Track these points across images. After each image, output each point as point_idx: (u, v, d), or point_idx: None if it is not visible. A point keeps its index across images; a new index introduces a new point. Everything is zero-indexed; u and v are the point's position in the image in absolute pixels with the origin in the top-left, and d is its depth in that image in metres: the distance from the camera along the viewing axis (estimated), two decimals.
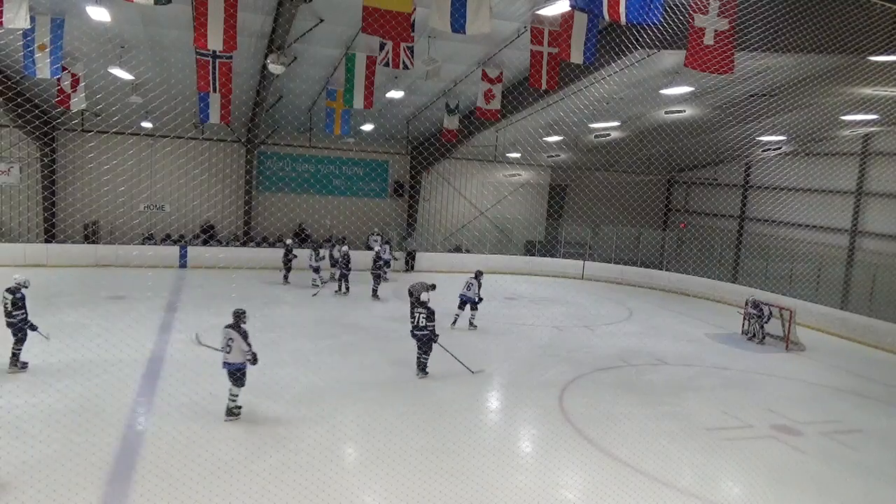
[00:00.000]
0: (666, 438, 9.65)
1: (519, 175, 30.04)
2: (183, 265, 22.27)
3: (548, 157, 29.29)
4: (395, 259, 19.73)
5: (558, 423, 10.01)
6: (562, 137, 24.78)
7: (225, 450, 8.10)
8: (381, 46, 13.72)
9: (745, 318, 16.97)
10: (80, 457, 7.61)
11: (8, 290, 10.68)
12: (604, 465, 8.59)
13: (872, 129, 20.98)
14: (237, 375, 9.11)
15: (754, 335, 16.56)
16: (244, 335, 9.00)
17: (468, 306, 15.71)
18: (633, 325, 17.77)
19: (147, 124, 22.39)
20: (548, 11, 12.22)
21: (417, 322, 11.63)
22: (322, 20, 14.46)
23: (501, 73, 16.57)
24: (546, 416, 10.29)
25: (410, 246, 25.86)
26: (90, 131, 22.54)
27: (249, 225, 25.51)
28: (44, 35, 13.21)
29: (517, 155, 28.35)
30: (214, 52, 13.46)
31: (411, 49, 13.68)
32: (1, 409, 8.71)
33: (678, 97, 18.51)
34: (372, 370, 12.00)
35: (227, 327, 9.06)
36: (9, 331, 10.55)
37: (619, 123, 22.63)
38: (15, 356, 10.58)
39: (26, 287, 10.92)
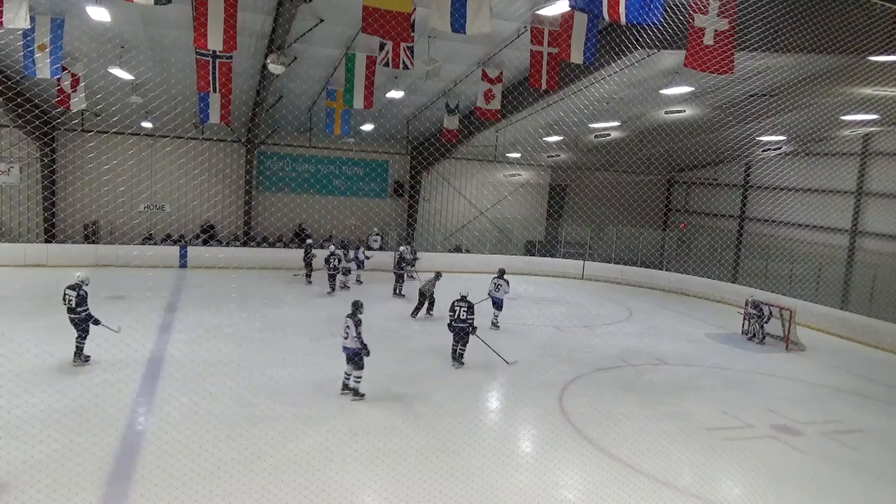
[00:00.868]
0: (666, 438, 9.65)
1: (519, 175, 30.04)
2: (183, 265, 22.27)
3: (548, 157, 29.30)
4: (418, 259, 20.01)
5: (558, 423, 10.01)
6: (562, 137, 24.79)
7: (225, 450, 8.10)
8: (381, 46, 13.72)
9: (745, 318, 16.97)
10: (80, 457, 7.61)
11: (71, 287, 11.11)
12: (604, 465, 8.59)
13: (872, 129, 20.98)
14: (355, 359, 10.19)
15: (754, 335, 16.56)
16: (357, 324, 10.12)
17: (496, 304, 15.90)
18: (633, 325, 17.77)
19: (147, 124, 22.39)
20: (548, 11, 12.22)
21: (458, 315, 12.30)
22: (322, 20, 14.47)
23: (501, 73, 16.57)
24: (546, 416, 10.29)
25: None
26: (90, 131, 22.54)
27: (249, 225, 25.51)
28: (44, 35, 13.21)
29: (517, 155, 28.36)
30: (214, 52, 13.46)
31: (411, 49, 13.69)
32: (1, 409, 8.71)
33: (678, 97, 18.51)
34: (372, 370, 11.97)
35: (347, 316, 10.23)
36: (71, 326, 11.08)
37: (619, 123, 22.63)
38: (79, 350, 11.11)
39: (87, 284, 11.31)
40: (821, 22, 11.03)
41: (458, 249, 28.22)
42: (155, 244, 23.63)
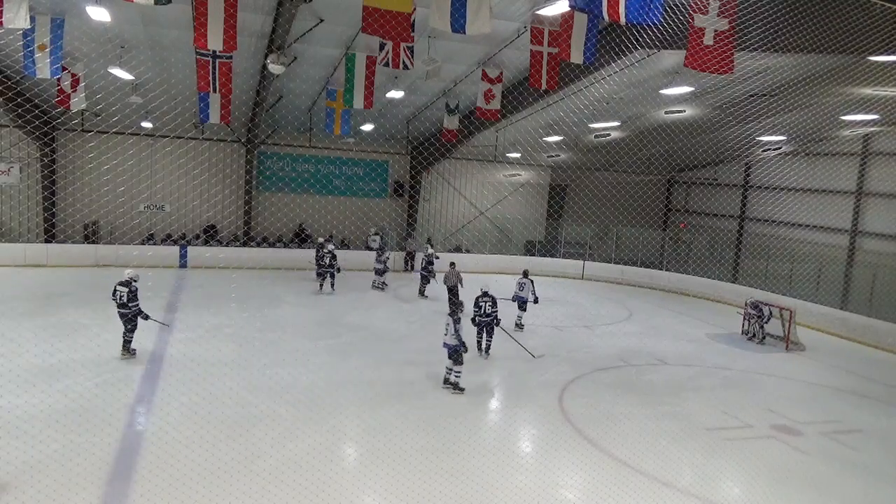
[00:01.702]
0: (666, 438, 9.65)
1: (519, 175, 30.03)
2: (183, 265, 22.28)
3: (548, 157, 29.30)
4: (438, 258, 20.31)
5: (558, 423, 10.01)
6: (562, 137, 24.78)
7: (225, 450, 8.10)
8: (381, 46, 13.72)
9: (745, 319, 16.97)
10: (80, 457, 7.61)
11: (122, 283, 11.63)
12: (604, 465, 8.59)
13: (872, 129, 20.98)
14: (454, 356, 10.84)
15: (754, 335, 16.56)
16: (457, 322, 10.77)
17: (519, 305, 16.00)
18: (633, 325, 17.77)
19: (147, 124, 22.39)
20: (548, 11, 12.22)
21: (484, 310, 12.80)
22: (322, 20, 14.47)
23: (501, 73, 16.57)
24: (546, 416, 10.29)
25: (410, 246, 25.86)
26: (90, 131, 22.54)
27: (249, 225, 25.51)
28: (44, 35, 13.21)
29: (517, 155, 28.36)
30: (214, 52, 13.46)
31: (411, 49, 13.69)
32: (1, 409, 8.72)
33: (678, 97, 18.51)
34: (372, 370, 12.00)
35: (448, 314, 10.97)
36: (121, 320, 11.65)
37: (619, 123, 22.63)
38: (128, 343, 11.63)
39: (136, 281, 11.84)
40: (821, 22, 11.03)
41: (458, 249, 28.21)
42: (155, 244, 23.63)
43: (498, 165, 29.21)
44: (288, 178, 26.89)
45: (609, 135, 24.56)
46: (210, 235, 24.98)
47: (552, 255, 27.83)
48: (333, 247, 19.99)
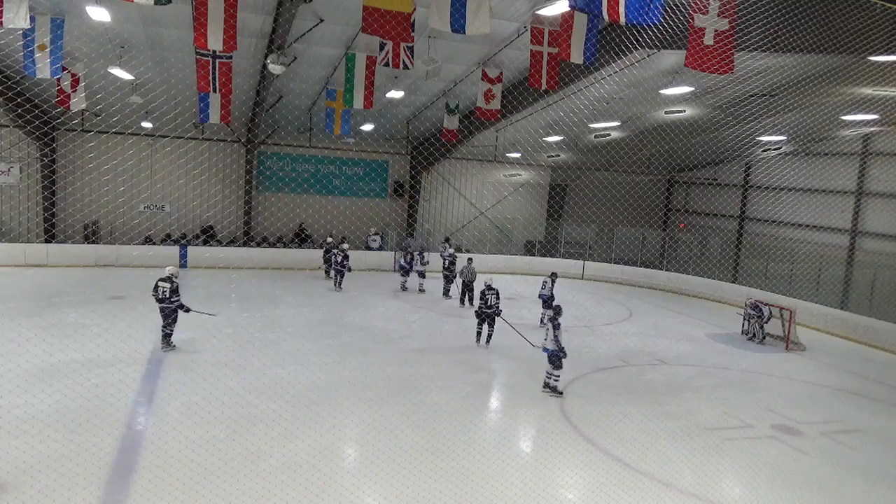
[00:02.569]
0: (666, 438, 9.65)
1: (519, 175, 30.03)
2: (183, 265, 22.28)
3: (548, 156, 29.30)
4: (457, 257, 20.62)
5: (558, 423, 10.01)
6: (562, 137, 24.79)
7: (225, 450, 8.10)
8: (381, 46, 13.72)
9: (745, 319, 16.97)
10: (79, 457, 7.61)
11: (163, 279, 12.21)
12: (604, 466, 8.59)
13: (872, 129, 20.98)
14: (554, 360, 11.02)
15: (754, 335, 16.56)
16: (556, 327, 10.93)
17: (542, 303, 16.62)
18: (634, 325, 17.77)
19: (147, 124, 22.40)
20: (547, 11, 12.23)
21: (488, 302, 13.77)
22: (322, 20, 14.47)
23: (501, 73, 16.57)
24: (546, 416, 10.29)
25: (410, 246, 25.86)
26: (90, 131, 22.54)
27: (249, 225, 25.51)
28: (44, 35, 13.21)
29: (517, 155, 28.36)
30: (214, 52, 13.47)
31: (411, 49, 13.69)
32: (1, 409, 8.72)
33: (678, 97, 18.51)
34: (372, 370, 12.00)
35: (547, 319, 11.20)
36: (161, 315, 12.24)
37: (619, 123, 22.64)
38: (168, 336, 12.28)
39: (177, 277, 12.45)
40: (821, 22, 11.04)
41: (458, 249, 28.17)
42: (155, 244, 23.63)
43: (498, 165, 29.21)
44: (288, 178, 26.89)
45: (609, 135, 24.56)
46: (210, 236, 24.98)
47: (552, 255, 27.83)
48: (348, 246, 20.63)
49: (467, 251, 27.76)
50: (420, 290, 20.52)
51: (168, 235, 24.53)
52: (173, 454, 7.84)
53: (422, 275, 20.70)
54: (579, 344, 15.15)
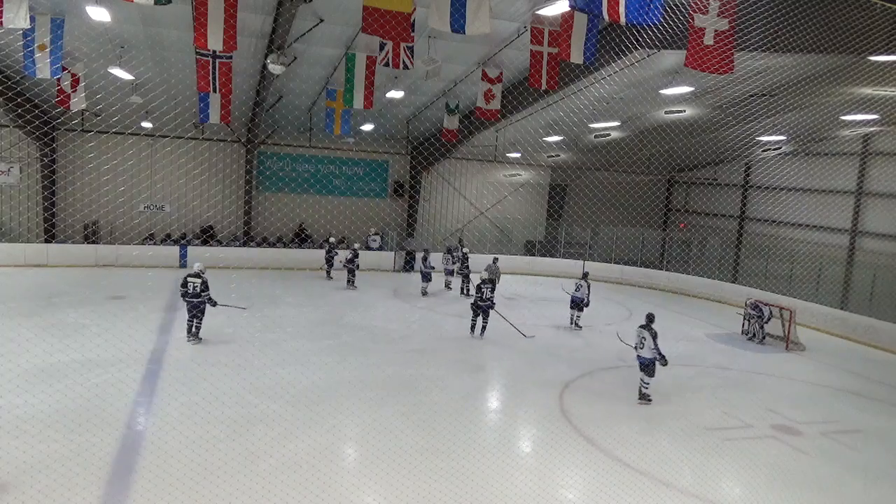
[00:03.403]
0: (666, 438, 9.66)
1: (519, 175, 30.03)
2: (183, 265, 22.28)
3: (548, 156, 29.30)
4: (471, 253, 21.50)
5: (558, 422, 10.01)
6: (562, 137, 24.78)
7: (225, 450, 8.10)
8: (381, 46, 13.72)
9: (745, 319, 16.97)
10: (80, 457, 7.61)
11: (193, 275, 12.83)
12: (604, 466, 8.59)
13: (872, 129, 20.99)
14: (648, 368, 10.88)
15: (754, 335, 16.56)
16: (654, 336, 10.76)
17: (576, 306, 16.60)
18: (634, 325, 17.72)
19: (147, 124, 22.40)
20: (547, 11, 12.22)
21: (484, 295, 14.54)
22: (322, 20, 14.47)
23: (501, 73, 16.57)
24: (546, 416, 10.29)
25: (410, 246, 25.87)
26: (90, 131, 22.54)
27: (249, 225, 25.51)
28: (44, 35, 13.21)
29: (517, 155, 28.35)
30: (214, 52, 13.47)
31: (411, 49, 13.68)
32: (1, 409, 8.72)
33: (678, 97, 18.51)
34: (372, 370, 12.00)
35: (640, 327, 10.95)
36: (189, 309, 12.80)
37: (619, 123, 22.63)
38: (197, 330, 12.86)
39: (205, 273, 13.01)
40: (821, 22, 11.05)
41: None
42: (155, 244, 23.63)
43: (498, 165, 29.21)
44: (288, 178, 26.88)
45: (609, 135, 24.56)
46: (210, 236, 24.97)
47: (552, 255, 27.83)
48: (359, 245, 21.18)
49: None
50: (447, 286, 21.03)
51: (168, 235, 24.53)
52: (173, 454, 7.85)
53: (450, 272, 21.06)
54: (579, 343, 15.16)
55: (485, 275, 17.28)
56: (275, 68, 14.50)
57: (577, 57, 11.96)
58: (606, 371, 13.04)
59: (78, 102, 16.25)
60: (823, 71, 14.88)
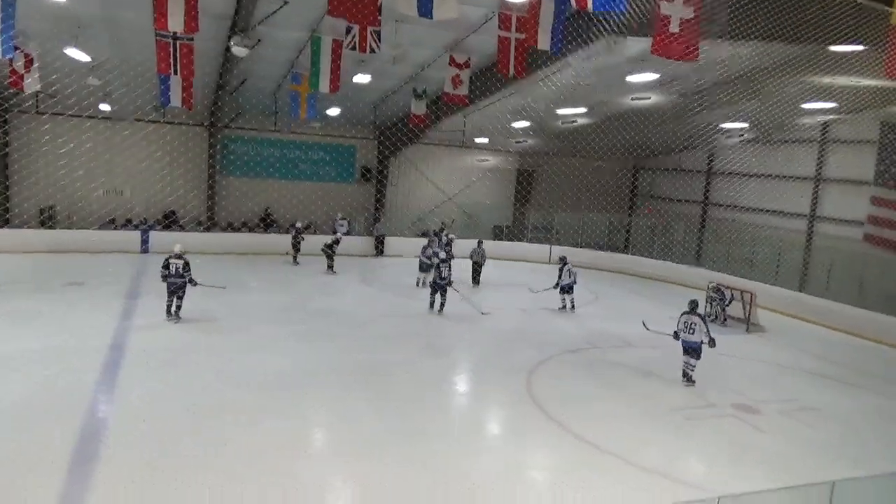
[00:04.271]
0: (631, 419, 9.84)
1: (487, 160, 30.05)
2: (145, 250, 21.80)
3: (515, 142, 29.34)
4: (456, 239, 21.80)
5: (526, 405, 10.12)
6: (529, 123, 24.83)
7: (190, 437, 8.01)
8: (348, 30, 13.50)
9: (707, 301, 17.33)
10: (40, 444, 7.44)
11: (175, 256, 13.16)
12: (571, 446, 8.73)
13: (831, 117, 21.50)
14: (696, 351, 11.39)
15: (716, 317, 16.94)
16: (704, 320, 11.34)
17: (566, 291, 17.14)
18: (600, 309, 18.02)
19: (105, 107, 21.75)
20: None
21: (442, 274, 15.47)
22: (287, 2, 14.17)
23: (469, 59, 16.50)
24: (514, 399, 10.39)
25: (379, 231, 25.74)
26: (45, 113, 21.80)
27: (213, 210, 25.05)
28: None
29: (485, 140, 28.34)
30: (175, 33, 13.09)
31: (378, 33, 13.50)
32: None
33: (645, 84, 18.68)
34: (339, 356, 11.95)
35: (687, 314, 11.39)
36: (170, 290, 13.14)
37: (585, 110, 22.77)
38: (178, 308, 13.27)
39: (186, 254, 13.38)
40: (783, 11, 11.25)
41: (425, 234, 28.14)
42: (116, 229, 23.05)
43: (466, 151, 29.17)
44: (253, 163, 26.45)
45: (576, 121, 24.69)
46: (172, 221, 24.47)
47: (519, 240, 27.98)
48: (345, 230, 21.83)
49: (435, 234, 27.76)
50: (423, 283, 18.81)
51: (129, 220, 23.96)
52: (136, 443, 7.73)
53: (427, 268, 18.82)
54: (546, 327, 15.32)
55: (476, 257, 19.24)
56: (239, 51, 14.19)
57: (544, 43, 11.98)
58: (573, 354, 13.21)
59: (32, 84, 15.70)
60: (785, 60, 15.15)
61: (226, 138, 25.72)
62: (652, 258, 24.79)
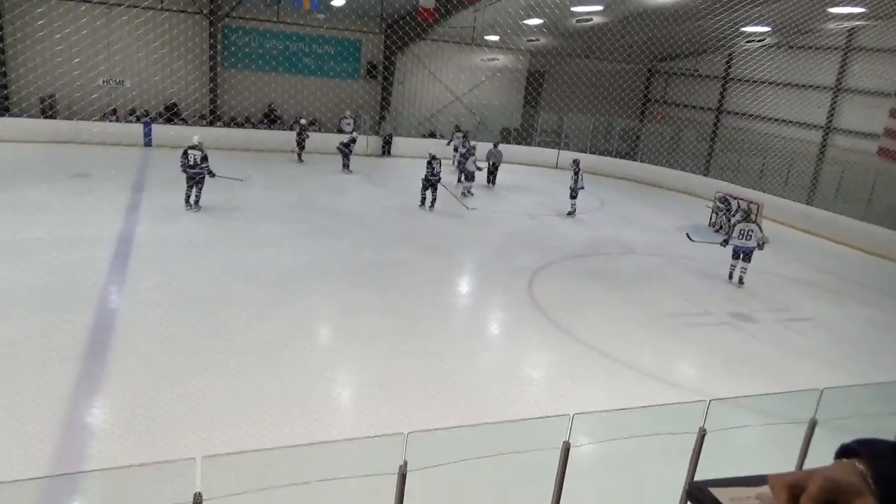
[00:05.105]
0: (630, 323, 10.03)
1: (496, 60, 29.03)
2: (148, 143, 21.55)
3: (527, 41, 28.21)
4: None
5: (527, 307, 10.29)
6: (542, 21, 23.77)
7: (200, 327, 8.21)
8: None
9: (713, 211, 17.26)
10: (52, 334, 7.62)
11: (192, 147, 13.35)
12: (569, 348, 8.95)
13: (858, 23, 20.51)
14: (750, 255, 12.19)
15: (721, 227, 16.91)
16: (760, 227, 12.32)
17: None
18: (605, 215, 17.99)
19: None
20: None
21: (434, 170, 15.71)
22: None
23: None
24: (515, 301, 10.57)
25: (386, 130, 25.29)
26: None
27: (216, 104, 24.50)
28: None
29: (496, 38, 27.24)
30: None
31: None
32: None
33: None
34: (345, 253, 12.05)
35: (743, 222, 12.21)
36: (188, 181, 13.43)
37: (601, 8, 21.72)
38: (197, 199, 13.57)
39: (203, 143, 13.64)
40: None
41: (432, 135, 27.70)
42: (118, 121, 22.66)
43: (476, 49, 28.11)
44: (255, 55, 25.56)
45: (591, 20, 23.63)
46: (174, 114, 23.99)
47: (528, 144, 27.53)
48: (355, 134, 21.35)
49: (441, 136, 27.33)
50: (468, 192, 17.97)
51: (132, 111, 23.50)
52: (148, 332, 7.93)
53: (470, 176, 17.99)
54: (551, 233, 15.35)
55: (493, 159, 19.94)
56: None
57: None
58: (576, 259, 13.30)
59: None
60: None
61: (226, 28, 24.74)
62: (661, 166, 24.46)
